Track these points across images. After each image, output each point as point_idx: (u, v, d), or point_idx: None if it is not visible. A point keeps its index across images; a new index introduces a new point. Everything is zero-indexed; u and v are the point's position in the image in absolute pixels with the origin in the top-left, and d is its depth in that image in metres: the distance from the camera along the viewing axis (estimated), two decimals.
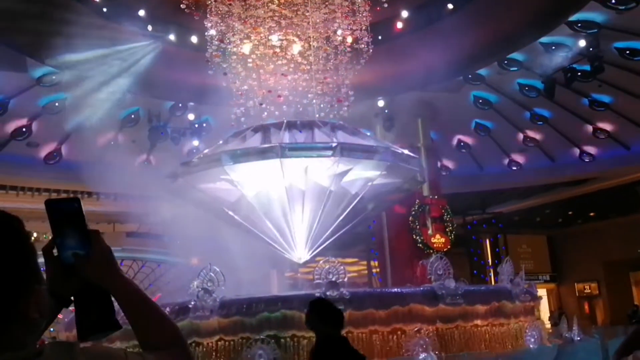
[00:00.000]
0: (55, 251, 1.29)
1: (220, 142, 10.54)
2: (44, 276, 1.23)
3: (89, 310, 1.28)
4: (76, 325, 1.28)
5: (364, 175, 10.53)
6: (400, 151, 10.77)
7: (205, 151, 10.76)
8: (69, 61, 12.79)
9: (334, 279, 7.40)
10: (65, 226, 1.27)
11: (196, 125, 16.19)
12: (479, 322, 8.07)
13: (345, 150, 9.55)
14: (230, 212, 10.58)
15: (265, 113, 11.32)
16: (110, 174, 14.02)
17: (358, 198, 10.74)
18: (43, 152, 16.64)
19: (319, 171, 10.17)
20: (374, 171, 10.40)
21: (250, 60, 11.26)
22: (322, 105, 11.23)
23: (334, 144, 9.55)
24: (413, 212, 16.15)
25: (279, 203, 10.40)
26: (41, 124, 15.56)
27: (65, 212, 1.27)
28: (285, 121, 10.30)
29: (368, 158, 10.01)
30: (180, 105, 16.02)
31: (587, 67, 14.13)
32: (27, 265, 1.16)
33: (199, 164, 9.93)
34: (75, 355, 1.12)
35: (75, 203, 1.28)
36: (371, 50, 11.24)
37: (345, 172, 10.15)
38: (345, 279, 7.60)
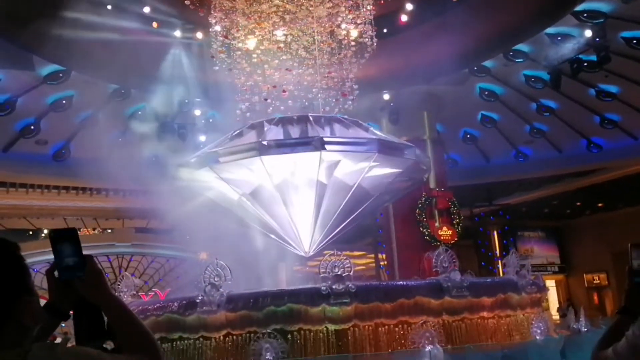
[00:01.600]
0: (56, 273, 1.54)
1: (230, 134, 10.58)
2: (38, 292, 1.48)
3: (82, 322, 1.54)
4: (74, 334, 1.54)
5: (379, 172, 10.55)
6: (393, 140, 10.68)
7: (213, 144, 10.81)
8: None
9: (339, 273, 7.44)
10: (65, 251, 1.51)
11: (202, 121, 16.27)
12: (485, 314, 8.08)
13: (382, 147, 9.59)
14: (244, 202, 10.61)
15: (271, 108, 11.37)
16: (119, 170, 14.14)
17: (353, 189, 10.72)
18: (52, 149, 16.77)
19: (342, 167, 10.18)
20: (390, 169, 10.43)
21: (254, 55, 11.29)
22: (327, 100, 11.25)
23: (371, 140, 9.60)
24: (420, 205, 16.16)
25: (283, 198, 10.44)
26: (49, 121, 15.67)
27: (65, 240, 1.52)
28: (309, 115, 10.29)
29: (398, 155, 10.05)
30: (186, 101, 16.09)
31: (594, 58, 14.05)
32: (20, 280, 1.43)
33: (229, 152, 9.90)
34: (56, 354, 1.36)
35: (73, 232, 1.54)
36: (375, 44, 11.23)
37: (370, 169, 10.13)
38: (351, 273, 7.64)
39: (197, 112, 16.24)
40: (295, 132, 9.93)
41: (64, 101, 15.14)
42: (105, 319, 1.56)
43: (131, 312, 1.58)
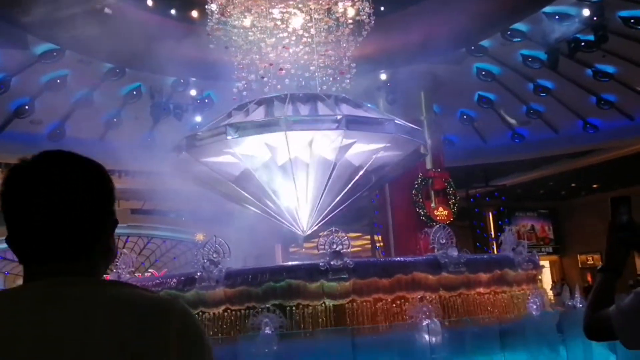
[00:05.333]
0: None
1: (223, 115, 10.56)
2: None
3: None
4: None
5: (367, 148, 10.55)
6: (404, 123, 10.76)
7: (209, 124, 10.79)
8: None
9: (338, 249, 7.47)
10: None
11: (198, 101, 16.19)
12: (481, 290, 8.14)
13: (350, 123, 9.57)
14: (234, 186, 10.63)
15: (267, 87, 11.31)
16: (114, 150, 14.10)
17: (362, 171, 10.79)
18: (46, 129, 16.68)
19: (323, 144, 10.20)
20: (377, 144, 10.42)
21: (251, 33, 11.20)
22: (324, 78, 11.20)
23: (339, 117, 9.58)
24: (416, 185, 16.21)
25: (282, 177, 10.46)
26: (44, 101, 15.56)
27: None
28: (288, 94, 10.30)
29: (374, 130, 10.03)
30: (182, 81, 16.00)
31: (591, 37, 14.02)
32: (112, 202, 1.36)
33: (204, 136, 9.96)
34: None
35: None
36: (373, 22, 11.16)
37: (350, 145, 10.17)
38: (349, 249, 7.67)
39: (193, 92, 16.15)
40: (305, 110, 9.96)
41: (58, 80, 15.03)
42: None
43: None
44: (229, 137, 9.44)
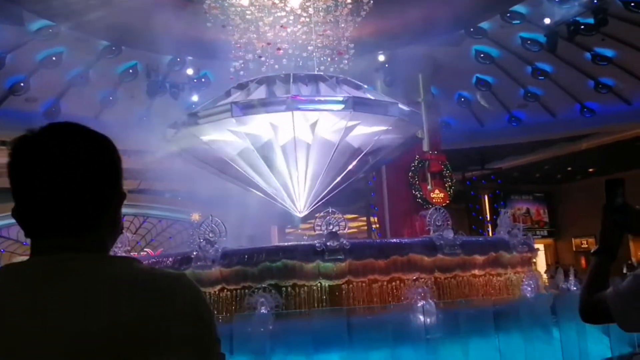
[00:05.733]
0: None
1: (222, 94, 10.49)
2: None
3: None
4: None
5: (367, 130, 10.53)
6: (405, 107, 10.74)
7: (208, 103, 10.72)
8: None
9: (334, 230, 7.49)
10: None
11: (195, 80, 16.08)
12: (476, 272, 8.20)
13: (357, 105, 9.55)
14: (233, 164, 10.61)
15: (264, 67, 11.23)
16: (110, 128, 14.01)
17: (363, 154, 10.78)
18: (42, 107, 16.55)
19: (325, 125, 10.16)
20: (378, 127, 10.40)
21: (248, 12, 11.09)
22: (322, 59, 11.12)
23: (345, 98, 9.55)
24: (413, 168, 16.21)
25: (281, 157, 10.44)
26: (39, 78, 15.42)
27: None
28: (291, 74, 10.23)
29: (378, 113, 10.01)
30: (178, 59, 15.87)
31: (591, 20, 13.92)
32: (119, 176, 1.33)
33: (206, 114, 9.87)
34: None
35: None
36: (372, 2, 11.06)
37: (352, 127, 10.13)
38: (346, 230, 7.70)
39: (190, 71, 16.03)
40: (307, 90, 9.93)
41: (53, 58, 14.86)
42: None
43: None
44: (234, 116, 9.37)
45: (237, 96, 9.92)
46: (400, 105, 10.37)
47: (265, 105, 9.53)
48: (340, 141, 10.00)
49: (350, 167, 10.64)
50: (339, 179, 10.57)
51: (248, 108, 9.47)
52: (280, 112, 9.39)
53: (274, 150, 10.23)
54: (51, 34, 13.93)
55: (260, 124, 9.82)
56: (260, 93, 9.83)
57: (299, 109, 9.36)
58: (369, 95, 10.36)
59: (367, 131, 10.48)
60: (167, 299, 1.21)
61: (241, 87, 10.27)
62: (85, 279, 1.21)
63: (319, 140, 10.10)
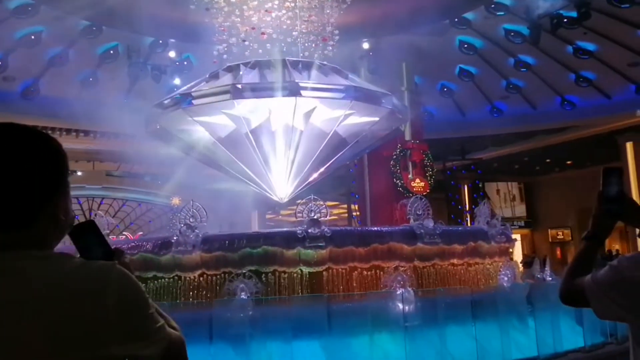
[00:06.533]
0: None
1: (206, 76, 10.39)
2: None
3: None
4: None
5: (357, 120, 10.54)
6: (370, 88, 10.68)
7: (191, 84, 10.60)
8: None
9: (315, 217, 7.50)
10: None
11: (177, 63, 15.89)
12: (455, 261, 8.30)
13: (357, 94, 9.54)
14: (221, 146, 10.54)
15: (248, 51, 11.13)
16: (89, 110, 13.80)
17: (352, 144, 10.77)
18: (20, 86, 16.23)
19: (319, 114, 10.12)
20: (368, 117, 10.42)
21: None
22: (306, 44, 11.06)
23: (346, 87, 9.54)
24: (394, 156, 16.27)
25: (268, 143, 10.39)
26: (17, 57, 15.10)
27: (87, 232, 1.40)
28: (285, 59, 10.15)
29: (375, 103, 10.03)
30: (160, 42, 15.65)
31: (574, 14, 14.03)
32: (60, 173, 1.34)
33: (201, 95, 9.74)
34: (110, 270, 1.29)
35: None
36: None
37: (347, 117, 10.12)
38: (327, 217, 7.71)
39: (172, 54, 15.83)
40: (274, 76, 9.82)
41: (32, 36, 14.53)
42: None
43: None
44: (233, 99, 9.27)
45: (227, 79, 9.80)
46: (362, 87, 10.39)
47: (266, 89, 9.45)
48: (333, 130, 9.99)
49: (336, 157, 10.63)
50: (323, 168, 10.57)
51: (249, 91, 9.36)
52: (282, 97, 9.29)
53: (261, 136, 10.18)
54: (30, 11, 13.62)
55: (249, 109, 9.75)
56: (252, 77, 9.73)
57: (301, 95, 9.28)
58: (334, 80, 10.32)
59: (356, 121, 10.51)
60: (102, 293, 1.23)
61: (230, 69, 10.14)
62: (14, 280, 1.21)
63: (310, 129, 10.07)
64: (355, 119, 10.52)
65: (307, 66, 10.23)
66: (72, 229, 1.38)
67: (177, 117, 10.36)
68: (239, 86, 9.32)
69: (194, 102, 9.83)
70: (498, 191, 25.80)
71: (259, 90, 9.56)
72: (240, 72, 10.01)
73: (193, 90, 10.16)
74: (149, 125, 10.89)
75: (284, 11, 11.06)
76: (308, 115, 10.09)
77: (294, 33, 10.96)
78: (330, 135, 10.15)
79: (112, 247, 1.42)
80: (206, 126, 10.29)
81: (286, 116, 10.05)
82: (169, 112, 10.18)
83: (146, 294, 1.33)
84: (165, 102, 10.27)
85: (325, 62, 10.62)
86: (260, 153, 10.31)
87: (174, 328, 1.41)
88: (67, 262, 1.27)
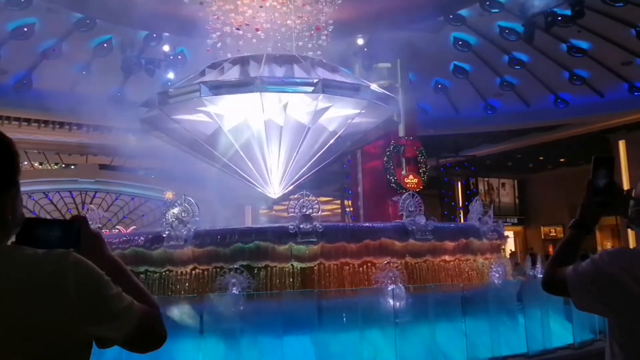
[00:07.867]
0: None
1: (197, 73, 10.36)
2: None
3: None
4: None
5: (342, 113, 10.52)
6: (380, 90, 10.75)
7: (182, 81, 10.59)
8: None
9: (307, 212, 7.50)
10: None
11: (171, 57, 15.83)
12: (447, 257, 8.30)
13: (326, 87, 9.51)
14: (206, 145, 10.53)
15: (242, 42, 11.10)
16: (82, 103, 13.74)
17: (336, 136, 10.77)
18: (12, 79, 16.14)
19: (298, 107, 10.12)
20: (352, 110, 10.40)
21: None
22: (300, 35, 11.03)
23: (315, 80, 9.49)
24: (388, 153, 16.29)
25: (255, 138, 10.39)
26: (10, 49, 15.01)
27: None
28: (264, 55, 10.15)
29: (349, 96, 9.99)
30: (154, 35, 15.58)
31: (568, 12, 14.06)
32: (8, 173, 1.35)
33: (176, 93, 9.77)
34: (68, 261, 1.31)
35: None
36: None
37: (325, 110, 10.12)
38: (319, 213, 7.71)
39: (166, 48, 15.77)
40: (281, 71, 9.83)
41: (25, 29, 14.45)
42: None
43: (126, 269, 1.56)
44: (202, 97, 9.29)
45: (211, 76, 9.80)
46: (374, 88, 10.37)
47: (233, 86, 9.45)
48: (311, 124, 9.97)
49: (324, 149, 10.62)
50: (312, 161, 10.56)
51: (217, 88, 9.38)
52: (248, 93, 9.31)
53: (246, 132, 10.17)
54: (23, 3, 13.51)
55: (232, 105, 9.74)
56: (233, 73, 9.73)
57: (267, 90, 9.28)
58: (342, 78, 10.32)
59: (341, 114, 10.48)
60: (61, 281, 1.26)
61: (215, 66, 10.14)
62: None
63: (291, 123, 10.06)
64: (342, 112, 10.48)
65: (290, 60, 10.23)
66: (19, 231, 1.38)
67: (172, 111, 10.32)
68: (204, 84, 9.33)
69: (170, 101, 9.81)
70: (491, 188, 25.91)
71: (224, 88, 9.54)
72: (223, 68, 10.03)
73: (171, 89, 10.20)
74: (140, 120, 10.84)
75: (277, 5, 11.03)
76: (290, 110, 10.09)
77: (287, 22, 10.91)
78: (308, 128, 10.11)
79: (69, 219, 1.43)
80: (195, 122, 10.28)
81: (276, 112, 10.07)
82: (156, 109, 10.13)
83: (105, 277, 1.35)
84: (169, 92, 10.20)
85: (308, 57, 10.57)
86: (251, 148, 10.30)
87: (151, 302, 1.46)
88: (19, 255, 1.29)
